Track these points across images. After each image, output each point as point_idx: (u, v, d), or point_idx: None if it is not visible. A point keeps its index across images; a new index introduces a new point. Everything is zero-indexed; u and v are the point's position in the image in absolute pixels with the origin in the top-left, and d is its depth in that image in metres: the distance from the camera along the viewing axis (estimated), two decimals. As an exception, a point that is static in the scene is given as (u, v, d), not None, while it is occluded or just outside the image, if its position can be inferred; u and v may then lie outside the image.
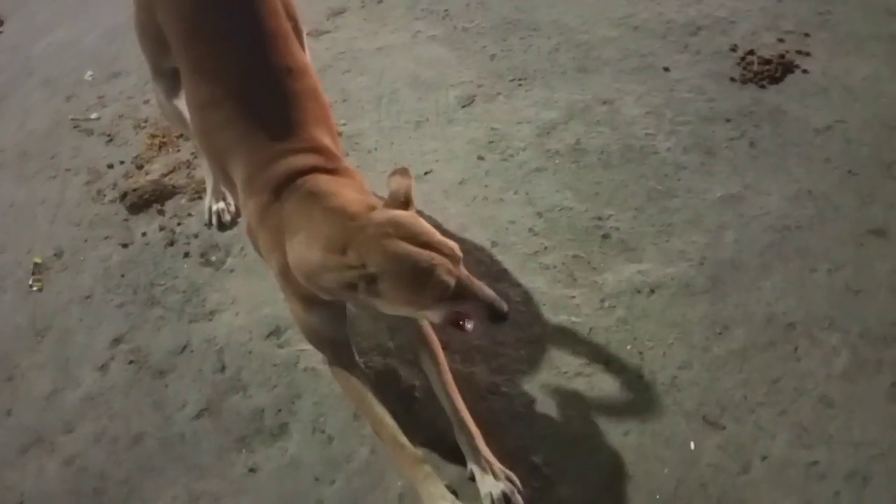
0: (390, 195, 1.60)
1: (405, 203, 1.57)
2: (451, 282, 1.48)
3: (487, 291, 1.53)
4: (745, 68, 2.59)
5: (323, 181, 1.69)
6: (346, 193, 1.65)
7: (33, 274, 2.31)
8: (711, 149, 2.37)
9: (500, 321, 1.54)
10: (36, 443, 1.93)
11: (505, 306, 1.53)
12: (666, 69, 2.64)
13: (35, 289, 2.28)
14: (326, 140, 1.80)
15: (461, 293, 1.50)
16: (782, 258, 2.06)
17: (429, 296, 1.48)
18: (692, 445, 1.74)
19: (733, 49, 2.66)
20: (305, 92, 1.80)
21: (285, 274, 1.71)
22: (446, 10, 3.04)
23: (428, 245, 1.49)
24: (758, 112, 2.45)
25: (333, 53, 2.92)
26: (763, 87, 2.53)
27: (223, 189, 2.31)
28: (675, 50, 2.71)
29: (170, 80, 2.04)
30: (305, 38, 2.17)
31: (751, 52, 2.63)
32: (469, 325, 1.55)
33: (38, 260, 2.34)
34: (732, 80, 2.57)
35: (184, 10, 1.82)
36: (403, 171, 1.64)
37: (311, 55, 2.23)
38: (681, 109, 2.50)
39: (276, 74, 1.78)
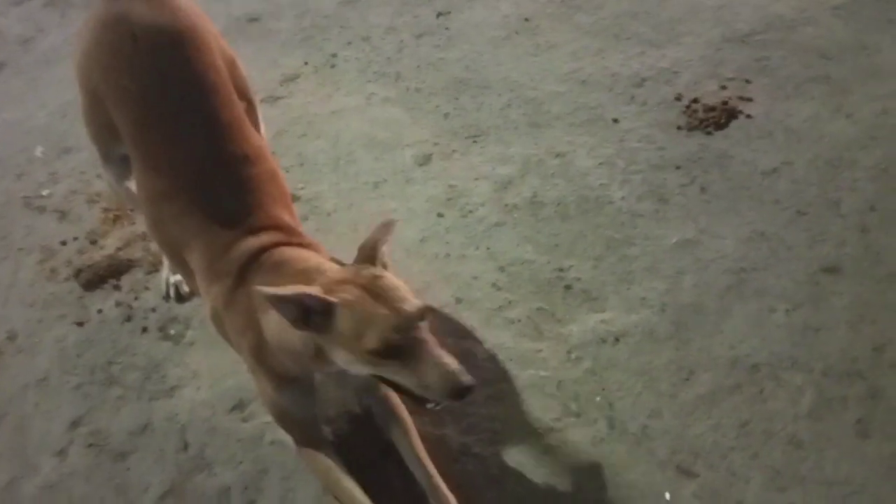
0: (359, 248, 1.56)
1: (371, 256, 1.54)
2: (394, 338, 1.41)
3: (446, 360, 1.42)
4: (690, 116, 2.67)
5: (286, 251, 1.69)
6: (311, 258, 1.65)
7: (-15, 359, 2.23)
8: (664, 196, 2.42)
9: (456, 396, 1.41)
10: (-10, 539, 1.84)
11: (466, 379, 1.41)
12: (615, 120, 2.71)
13: (-13, 375, 2.20)
14: (286, 218, 1.80)
15: (412, 354, 1.43)
16: (741, 300, 2.10)
17: (367, 344, 1.42)
18: (668, 496, 1.73)
19: (678, 98, 2.75)
20: (261, 175, 1.80)
21: (258, 354, 1.69)
22: (398, 73, 3.09)
23: (380, 297, 1.44)
24: (706, 158, 2.52)
25: (288, 118, 2.93)
26: (709, 133, 2.61)
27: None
28: (622, 102, 2.79)
29: (119, 166, 2.01)
30: (259, 109, 2.18)
31: (695, 101, 2.72)
32: (430, 404, 1.50)
33: (-11, 344, 2.27)
34: (679, 128, 2.64)
35: (135, 103, 1.80)
36: (385, 226, 1.58)
37: (265, 121, 2.24)
38: (632, 159, 2.55)
39: (232, 163, 1.77)
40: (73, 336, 2.26)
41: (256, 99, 2.15)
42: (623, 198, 2.43)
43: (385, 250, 1.55)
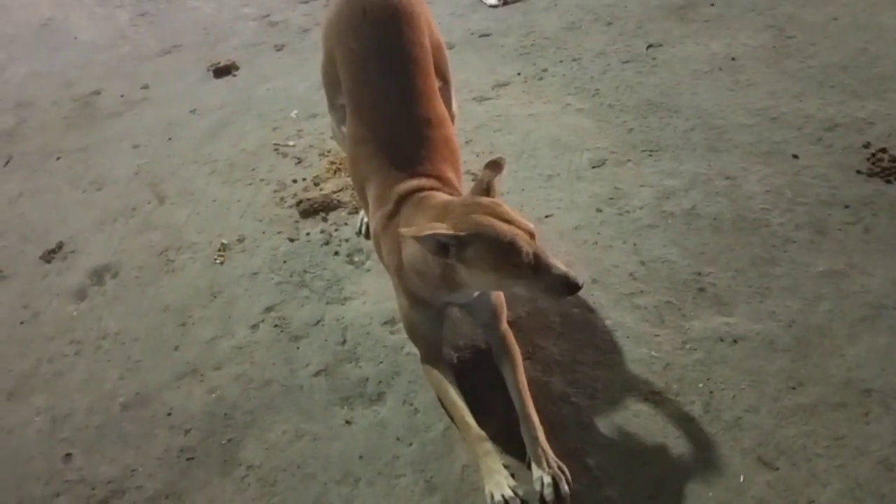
0: (476, 183, 1.90)
1: (486, 190, 1.86)
2: (530, 251, 1.72)
3: (562, 265, 1.75)
4: (873, 163, 2.67)
5: (434, 194, 2.03)
6: (443, 197, 1.99)
7: (219, 251, 2.87)
8: (824, 229, 2.46)
9: (574, 291, 1.75)
10: (190, 373, 2.40)
11: (580, 279, 1.74)
12: (795, 156, 2.78)
13: (218, 262, 2.83)
14: (450, 174, 2.15)
15: (539, 265, 1.73)
16: (873, 332, 2.11)
17: (511, 262, 1.72)
18: (741, 478, 1.83)
19: (866, 146, 2.75)
20: (438, 138, 2.17)
21: (399, 273, 2.07)
22: (597, 90, 3.39)
23: (508, 221, 1.76)
24: (878, 203, 2.52)
25: (490, 115, 3.34)
26: (889, 181, 2.59)
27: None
28: (807, 141, 2.85)
29: (340, 113, 2.49)
30: (454, 90, 2.52)
31: (882, 150, 2.71)
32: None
33: (224, 241, 2.90)
34: (859, 172, 2.65)
35: (354, 63, 2.24)
36: (495, 164, 1.92)
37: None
38: (801, 192, 2.62)
39: (417, 123, 2.16)
40: (284, 248, 2.83)
41: (452, 80, 2.51)
42: (781, 224, 2.51)
43: (497, 184, 1.88)
